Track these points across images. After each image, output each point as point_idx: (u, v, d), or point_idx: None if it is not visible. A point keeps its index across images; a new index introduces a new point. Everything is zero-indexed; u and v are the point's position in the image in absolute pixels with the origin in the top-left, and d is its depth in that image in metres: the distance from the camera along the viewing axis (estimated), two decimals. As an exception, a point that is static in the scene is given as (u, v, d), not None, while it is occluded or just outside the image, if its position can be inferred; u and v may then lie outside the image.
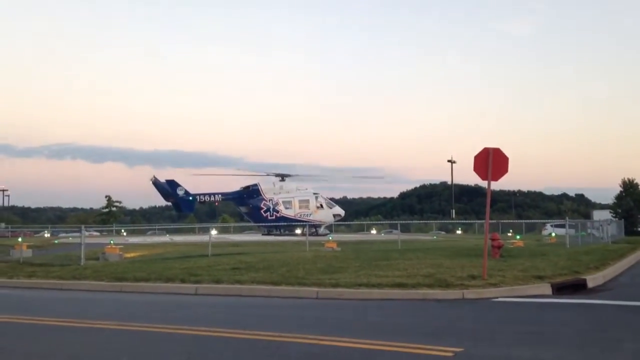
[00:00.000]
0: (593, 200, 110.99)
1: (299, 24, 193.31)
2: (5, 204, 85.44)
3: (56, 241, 37.78)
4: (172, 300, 11.96)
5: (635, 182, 59.07)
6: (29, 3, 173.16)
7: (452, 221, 62.32)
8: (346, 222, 57.96)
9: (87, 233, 22.76)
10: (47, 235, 51.72)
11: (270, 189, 49.37)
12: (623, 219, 43.86)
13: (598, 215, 49.40)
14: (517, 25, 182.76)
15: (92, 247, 22.28)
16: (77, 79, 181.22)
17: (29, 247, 24.16)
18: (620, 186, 59.20)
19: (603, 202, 79.33)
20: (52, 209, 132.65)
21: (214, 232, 35.98)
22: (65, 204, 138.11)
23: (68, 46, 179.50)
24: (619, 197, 58.40)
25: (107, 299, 12.58)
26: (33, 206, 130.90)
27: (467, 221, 64.66)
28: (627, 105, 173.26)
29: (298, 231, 43.12)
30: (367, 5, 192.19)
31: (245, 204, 49.81)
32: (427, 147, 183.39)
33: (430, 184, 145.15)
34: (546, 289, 11.38)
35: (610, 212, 53.57)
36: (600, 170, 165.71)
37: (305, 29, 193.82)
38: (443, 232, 55.66)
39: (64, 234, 50.63)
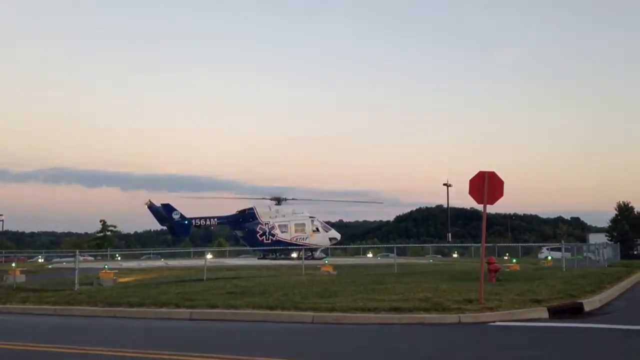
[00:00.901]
0: (589, 223, 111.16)
1: (296, 48, 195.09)
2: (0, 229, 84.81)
3: (50, 266, 37.50)
4: (166, 325, 11.85)
5: (630, 205, 59.34)
6: (24, 28, 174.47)
7: (449, 244, 62.26)
8: (342, 246, 57.74)
9: (81, 258, 22.63)
10: (40, 260, 51.40)
11: (266, 213, 49.28)
12: (619, 243, 43.90)
13: (594, 238, 49.42)
14: (511, 52, 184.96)
15: (86, 272, 22.11)
16: (73, 103, 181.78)
17: (22, 272, 24.00)
18: (616, 209, 59.39)
19: (599, 226, 79.41)
20: (46, 233, 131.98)
21: (209, 256, 35.78)
22: (59, 229, 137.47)
23: (65, 71, 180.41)
24: (614, 221, 58.55)
25: (101, 324, 12.46)
26: (27, 231, 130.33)
27: (463, 244, 64.64)
28: (622, 129, 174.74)
29: (294, 255, 42.94)
30: (364, 32, 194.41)
31: (241, 228, 49.65)
32: (423, 170, 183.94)
33: (426, 207, 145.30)
34: (543, 312, 11.33)
35: (606, 236, 53.63)
36: (596, 194, 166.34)
37: (303, 54, 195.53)
38: (439, 256, 55.50)
39: (57, 259, 50.28)
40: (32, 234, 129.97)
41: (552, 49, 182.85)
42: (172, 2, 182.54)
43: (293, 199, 52.60)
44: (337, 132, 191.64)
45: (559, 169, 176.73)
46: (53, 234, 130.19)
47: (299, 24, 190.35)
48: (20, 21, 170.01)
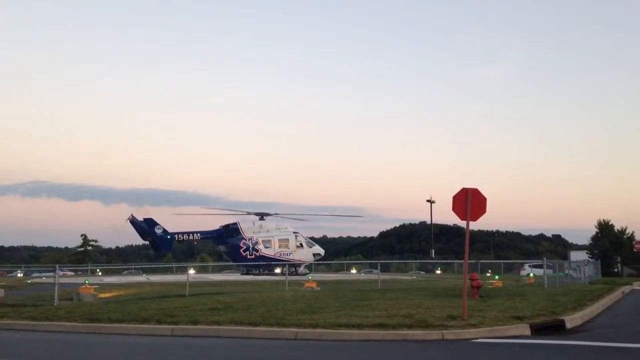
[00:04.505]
0: (570, 241, 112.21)
1: (280, 62, 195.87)
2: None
3: (29, 281, 36.97)
4: (147, 342, 11.70)
5: (610, 223, 59.95)
6: (8, 39, 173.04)
7: (432, 261, 62.39)
8: (326, 262, 57.67)
9: (61, 273, 22.32)
10: (20, 275, 50.63)
11: (249, 228, 49.10)
12: (600, 260, 44.32)
13: (575, 256, 49.89)
14: (496, 69, 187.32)
15: (66, 287, 21.81)
16: (54, 117, 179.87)
17: (1, 287, 23.62)
18: (596, 227, 59.99)
19: (580, 243, 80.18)
20: (26, 248, 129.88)
21: (191, 271, 35.53)
22: (39, 243, 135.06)
23: (43, 83, 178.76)
24: (595, 238, 59.13)
25: (80, 340, 12.26)
26: (6, 245, 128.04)
27: (446, 261, 64.77)
28: (604, 148, 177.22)
29: (278, 270, 42.80)
30: (347, 50, 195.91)
31: (225, 243, 49.38)
32: (406, 186, 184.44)
33: (409, 224, 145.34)
34: (525, 329, 11.40)
35: (587, 253, 54.15)
36: (577, 212, 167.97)
37: (287, 71, 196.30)
38: (422, 272, 55.60)
39: (37, 274, 49.59)
40: (11, 248, 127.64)
41: (538, 68, 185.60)
42: (155, 17, 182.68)
43: (277, 214, 52.51)
44: (321, 148, 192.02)
45: (541, 186, 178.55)
46: (33, 248, 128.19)
47: (284, 44, 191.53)
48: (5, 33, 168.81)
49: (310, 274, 37.81)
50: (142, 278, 40.23)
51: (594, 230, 60.07)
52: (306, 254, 48.84)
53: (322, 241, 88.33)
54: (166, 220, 60.29)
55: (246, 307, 15.13)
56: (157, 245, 49.05)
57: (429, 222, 77.40)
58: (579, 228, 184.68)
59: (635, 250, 52.49)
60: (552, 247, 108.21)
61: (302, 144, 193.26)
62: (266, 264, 45.71)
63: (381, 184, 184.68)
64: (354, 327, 11.52)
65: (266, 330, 11.87)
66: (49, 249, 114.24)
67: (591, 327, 12.55)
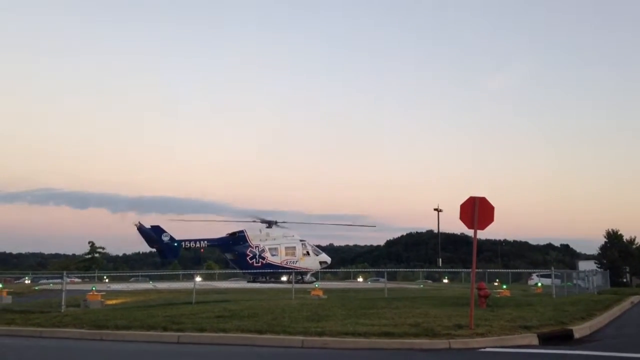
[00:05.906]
0: (578, 250, 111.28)
1: (283, 68, 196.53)
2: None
3: (37, 287, 37.11)
4: (154, 349, 11.71)
5: (619, 233, 59.43)
6: (15, 48, 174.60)
7: (439, 270, 62.16)
8: (332, 270, 57.61)
9: (68, 279, 22.39)
10: (27, 281, 50.86)
11: (256, 236, 49.19)
12: (608, 270, 43.97)
13: (583, 265, 49.53)
14: (503, 78, 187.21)
15: (73, 294, 21.89)
16: (61, 125, 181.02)
17: (9, 293, 23.73)
18: (605, 237, 59.52)
19: (588, 253, 79.51)
20: (33, 254, 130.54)
21: (198, 279, 35.55)
22: (47, 250, 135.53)
23: (51, 92, 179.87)
24: (603, 248, 58.64)
25: (87, 347, 12.29)
26: (14, 252, 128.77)
27: (453, 270, 64.47)
28: (612, 157, 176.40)
29: (284, 278, 42.81)
30: (352, 56, 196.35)
31: (231, 251, 49.47)
32: (414, 195, 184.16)
33: (416, 232, 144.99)
34: (533, 339, 11.34)
35: (596, 263, 53.72)
36: (585, 221, 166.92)
37: (291, 78, 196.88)
38: (430, 281, 55.43)
39: (45, 281, 49.79)
40: (19, 255, 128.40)
41: (544, 76, 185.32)
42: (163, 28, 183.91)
43: (284, 222, 52.55)
44: (328, 156, 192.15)
45: (549, 195, 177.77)
46: (40, 255, 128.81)
47: (283, 47, 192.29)
48: (13, 40, 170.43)
49: (317, 282, 37.73)
50: (149, 285, 40.31)
51: (602, 240, 59.56)
52: (313, 262, 48.84)
53: (329, 249, 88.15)
54: (173, 228, 60.39)
55: (252, 315, 15.14)
56: (164, 252, 49.23)
57: (436, 231, 77.25)
58: (588, 238, 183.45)
59: (644, 260, 52.03)
60: (560, 256, 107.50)
61: (309, 151, 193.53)
62: (272, 271, 45.75)
63: (388, 191, 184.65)
64: (360, 335, 11.50)
65: (272, 338, 11.86)
66: (57, 255, 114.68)
67: (599, 337, 12.46)
